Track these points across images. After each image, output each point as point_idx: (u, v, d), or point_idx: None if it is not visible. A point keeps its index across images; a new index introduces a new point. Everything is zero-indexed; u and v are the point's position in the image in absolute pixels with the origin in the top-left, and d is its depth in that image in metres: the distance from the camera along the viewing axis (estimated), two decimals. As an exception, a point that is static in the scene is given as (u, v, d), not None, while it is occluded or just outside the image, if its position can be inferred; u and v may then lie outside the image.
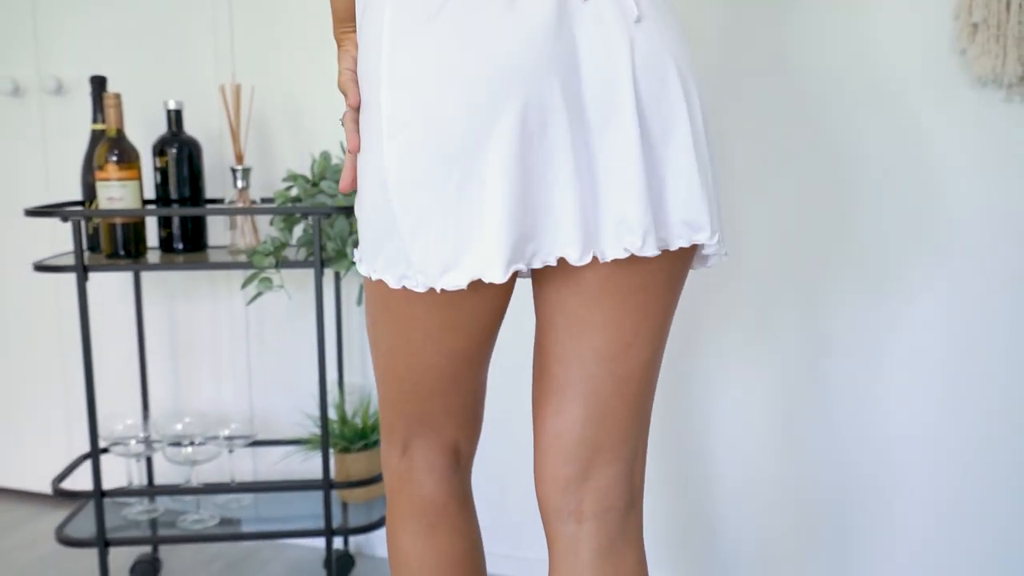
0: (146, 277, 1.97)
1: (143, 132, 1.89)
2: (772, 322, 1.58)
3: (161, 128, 1.74)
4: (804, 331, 1.57)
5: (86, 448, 2.04)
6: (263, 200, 1.73)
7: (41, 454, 2.15)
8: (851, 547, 1.59)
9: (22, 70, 2.03)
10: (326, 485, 1.57)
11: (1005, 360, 1.48)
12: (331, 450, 1.70)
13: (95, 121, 1.67)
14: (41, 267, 1.54)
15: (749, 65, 1.54)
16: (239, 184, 1.66)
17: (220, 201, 1.75)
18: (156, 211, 1.52)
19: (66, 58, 1.98)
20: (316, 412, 1.88)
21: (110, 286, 2.01)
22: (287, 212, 1.53)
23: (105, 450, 1.76)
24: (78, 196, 2.00)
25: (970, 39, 1.46)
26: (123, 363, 2.02)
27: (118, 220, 1.58)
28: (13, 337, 2.13)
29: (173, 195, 1.64)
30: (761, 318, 1.59)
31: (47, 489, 2.15)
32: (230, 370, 1.97)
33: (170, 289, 1.97)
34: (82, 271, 1.51)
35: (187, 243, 1.65)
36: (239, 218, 1.66)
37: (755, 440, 1.62)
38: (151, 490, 1.61)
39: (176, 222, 1.64)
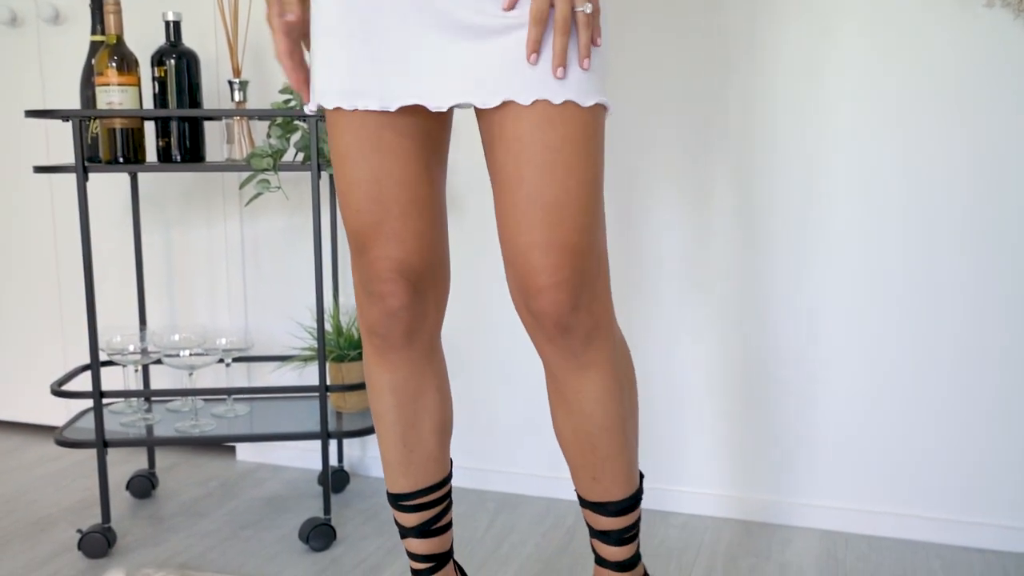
0: (144, 202, 1.99)
1: (142, 47, 1.92)
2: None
3: (159, 42, 1.77)
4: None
5: (81, 362, 2.05)
6: (260, 116, 1.76)
7: (39, 366, 2.17)
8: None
9: None
10: (322, 388, 1.59)
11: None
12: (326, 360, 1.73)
13: (94, 33, 1.69)
14: (41, 168, 1.56)
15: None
16: (236, 97, 1.69)
17: (219, 112, 1.77)
18: (154, 112, 1.55)
19: (64, -14, 2.01)
20: (311, 324, 1.91)
21: (108, 205, 2.03)
22: (282, 115, 1.56)
23: (106, 363, 1.78)
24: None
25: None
26: (120, 283, 2.04)
27: (117, 124, 1.60)
28: (6, 247, 2.14)
29: (172, 106, 1.66)
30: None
31: (46, 421, 2.16)
32: (226, 291, 1.99)
33: (166, 214, 2.00)
34: (82, 171, 1.53)
35: (185, 154, 1.68)
36: (236, 131, 1.69)
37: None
38: (149, 392, 1.64)
39: (175, 132, 1.66)
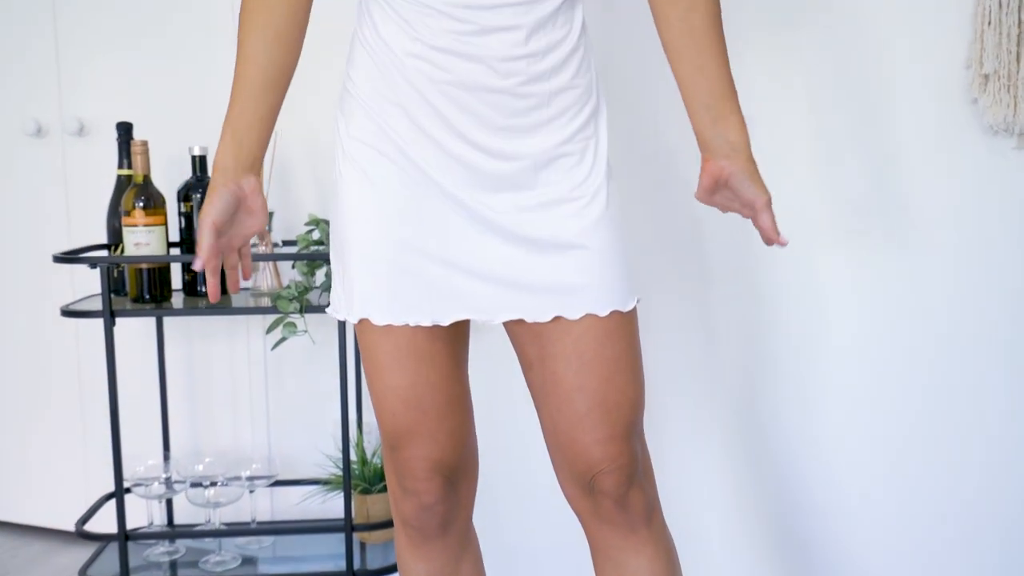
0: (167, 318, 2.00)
1: (164, 170, 1.92)
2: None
3: (183, 167, 1.77)
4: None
5: (104, 486, 2.05)
6: (285, 243, 1.76)
7: (59, 492, 2.16)
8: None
9: (45, 111, 2.06)
10: (348, 527, 1.59)
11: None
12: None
13: (121, 166, 1.70)
14: (68, 312, 1.57)
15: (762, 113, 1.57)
16: (262, 228, 1.69)
17: (242, 244, 1.78)
18: (181, 258, 1.55)
19: (88, 99, 2.01)
20: (335, 452, 1.90)
21: (130, 325, 2.03)
22: (310, 258, 1.56)
23: (128, 490, 1.77)
24: (101, 237, 2.02)
25: (981, 89, 1.49)
26: (141, 401, 2.04)
27: (144, 265, 1.60)
28: (31, 371, 2.15)
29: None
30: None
31: (65, 526, 2.16)
32: (248, 409, 1.98)
33: (189, 329, 1.99)
34: (109, 317, 1.53)
35: (210, 286, 1.68)
36: (261, 263, 1.69)
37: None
38: (173, 532, 1.63)
39: (200, 266, 1.66)
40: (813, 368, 1.59)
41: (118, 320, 1.96)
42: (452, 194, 0.98)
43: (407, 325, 1.00)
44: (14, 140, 2.09)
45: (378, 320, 1.01)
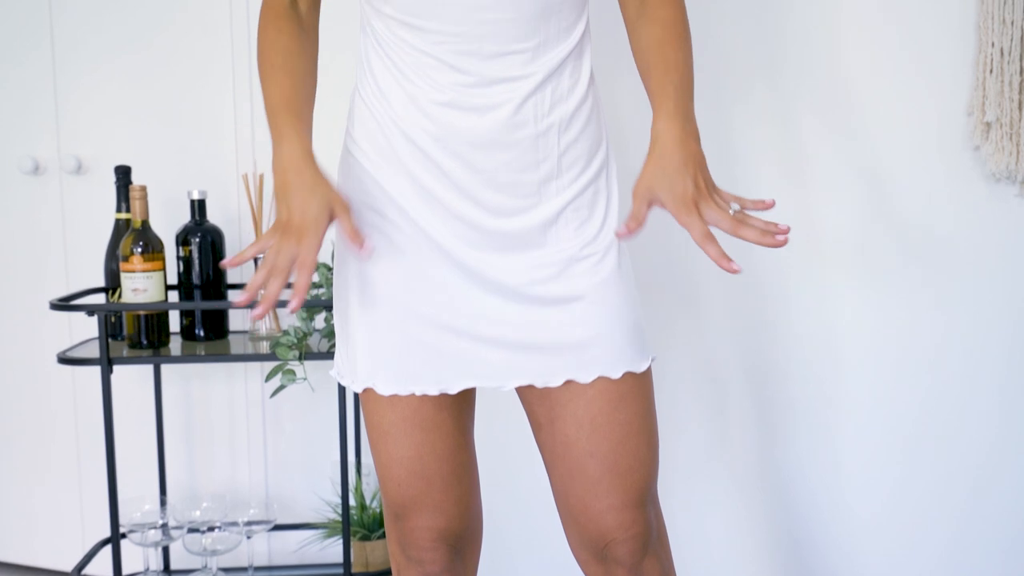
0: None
1: (162, 210, 1.91)
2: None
3: (181, 210, 1.76)
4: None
5: (101, 530, 2.03)
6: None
7: (59, 534, 2.14)
8: None
9: (42, 149, 2.05)
10: (347, 575, 1.57)
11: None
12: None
13: (119, 210, 1.69)
14: (66, 360, 1.55)
15: (760, 172, 1.57)
16: (261, 272, 1.68)
17: (242, 286, 1.77)
18: (179, 305, 1.54)
19: (86, 137, 2.00)
20: (333, 496, 1.88)
21: (128, 369, 2.01)
22: (309, 305, 1.54)
23: (124, 535, 1.75)
24: (99, 275, 2.01)
25: (983, 137, 1.48)
26: (138, 441, 2.02)
27: (142, 311, 1.59)
28: (28, 411, 2.12)
29: (196, 281, 1.65)
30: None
31: (65, 567, 2.13)
32: (246, 450, 1.97)
33: (187, 370, 1.98)
34: (107, 364, 1.52)
35: (208, 330, 1.67)
36: (260, 305, 1.67)
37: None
38: (170, 580, 1.61)
39: (198, 311, 1.65)
40: (827, 423, 1.58)
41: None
42: (457, 257, 0.96)
43: (413, 394, 0.99)
44: (11, 178, 2.07)
45: (383, 390, 0.99)
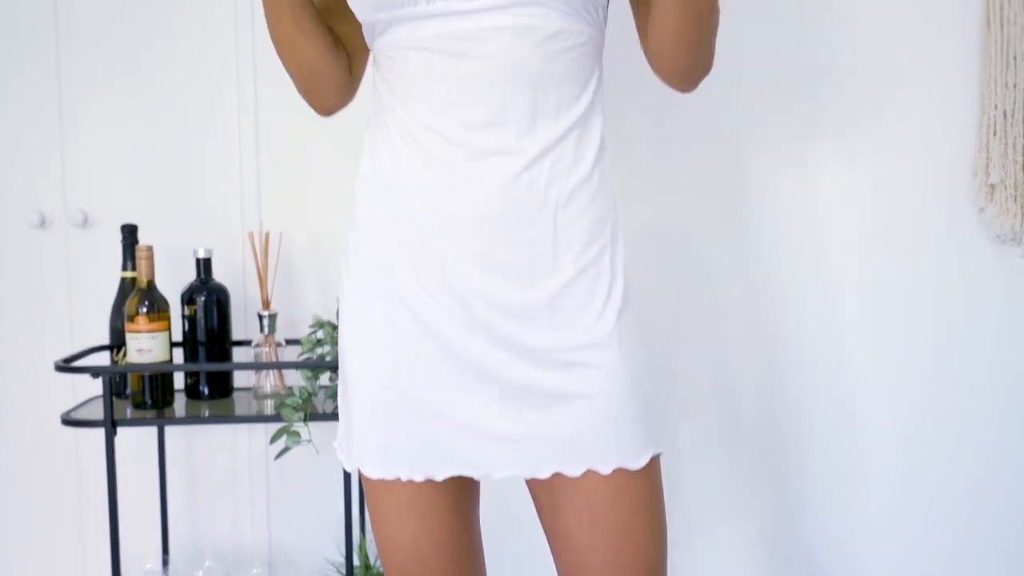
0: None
1: (168, 267, 1.91)
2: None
3: (186, 265, 1.76)
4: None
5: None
6: (288, 341, 1.74)
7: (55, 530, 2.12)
8: None
9: (49, 202, 2.06)
10: (350, 640, 1.55)
11: None
12: (354, 597, 1.68)
13: (125, 268, 1.69)
14: (69, 421, 1.54)
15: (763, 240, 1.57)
16: (265, 330, 1.68)
17: (247, 343, 1.76)
18: (185, 367, 1.54)
19: (93, 191, 2.01)
20: (337, 556, 1.87)
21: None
22: (314, 366, 1.54)
23: (125, 594, 1.74)
24: (103, 330, 2.01)
25: (988, 198, 1.49)
26: (141, 496, 2.01)
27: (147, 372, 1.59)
28: (30, 469, 2.11)
29: (201, 339, 1.65)
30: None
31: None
32: (249, 505, 1.95)
33: (191, 427, 1.97)
34: (111, 426, 1.51)
35: (213, 388, 1.66)
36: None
37: None
38: (173, 644, 1.59)
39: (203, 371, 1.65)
40: (827, 423, 1.57)
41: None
42: (450, 344, 0.94)
43: (399, 479, 0.98)
44: (17, 230, 2.08)
45: (370, 472, 0.98)
